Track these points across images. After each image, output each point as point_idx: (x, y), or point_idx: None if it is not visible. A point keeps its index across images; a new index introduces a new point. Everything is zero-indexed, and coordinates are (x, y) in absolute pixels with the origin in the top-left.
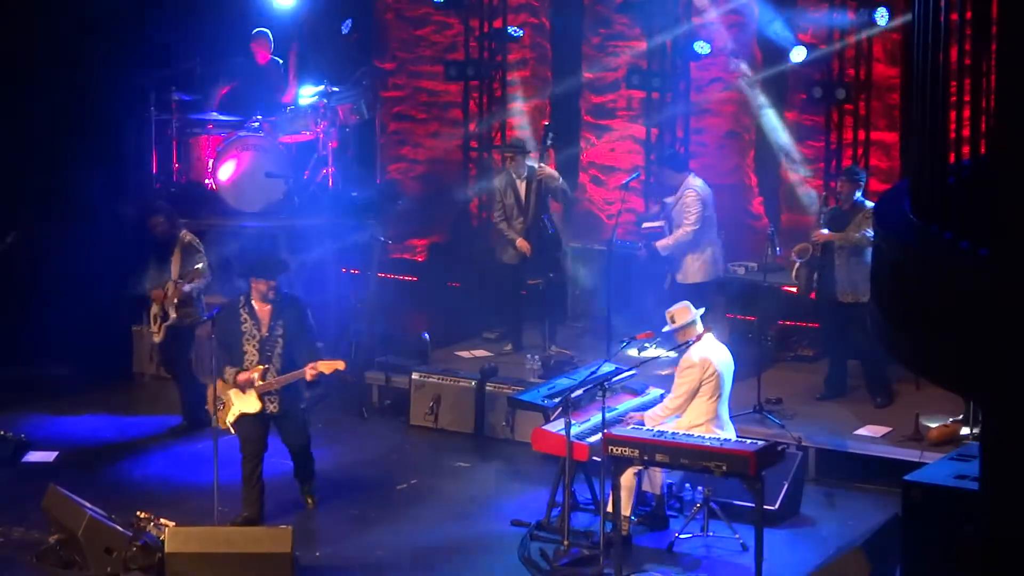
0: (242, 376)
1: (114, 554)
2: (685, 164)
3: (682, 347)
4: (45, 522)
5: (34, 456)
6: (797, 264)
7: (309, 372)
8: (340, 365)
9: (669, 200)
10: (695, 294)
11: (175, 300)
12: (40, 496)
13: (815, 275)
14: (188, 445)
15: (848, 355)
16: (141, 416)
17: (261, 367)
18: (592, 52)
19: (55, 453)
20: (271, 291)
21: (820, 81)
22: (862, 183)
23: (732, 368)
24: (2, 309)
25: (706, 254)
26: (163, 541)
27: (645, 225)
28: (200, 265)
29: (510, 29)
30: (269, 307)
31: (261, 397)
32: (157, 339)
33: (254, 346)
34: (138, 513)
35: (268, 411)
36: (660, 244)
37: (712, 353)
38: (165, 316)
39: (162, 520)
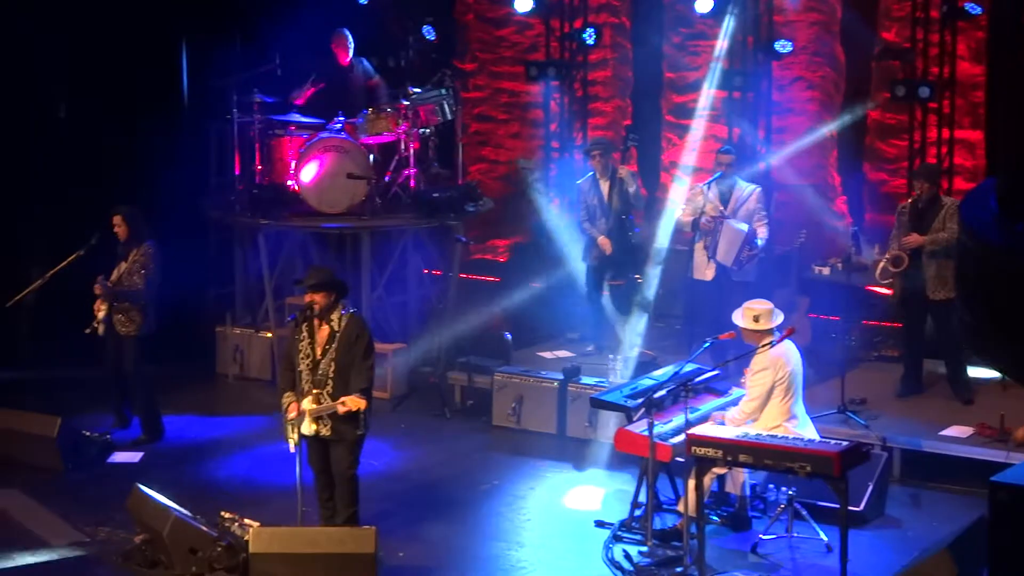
0: (291, 410)
1: (199, 554)
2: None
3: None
4: (130, 522)
5: (119, 456)
6: (892, 272)
7: (340, 408)
8: (362, 404)
9: (708, 192)
10: (752, 292)
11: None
12: (125, 496)
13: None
14: (272, 446)
15: (926, 353)
16: (225, 416)
17: (314, 392)
18: (673, 51)
19: (140, 454)
20: (323, 309)
21: (904, 79)
22: (939, 180)
23: (802, 364)
24: (85, 310)
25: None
26: (247, 541)
27: (738, 224)
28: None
29: (584, 34)
30: (328, 327)
31: (315, 420)
32: (100, 331)
33: (307, 366)
34: (222, 513)
35: (321, 434)
36: (761, 242)
37: (783, 352)
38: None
39: (246, 520)
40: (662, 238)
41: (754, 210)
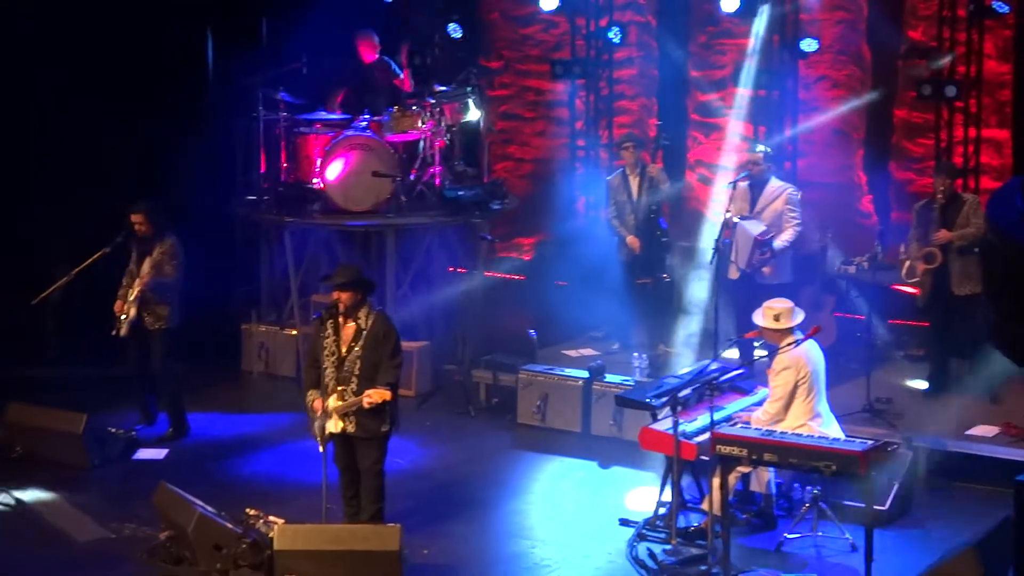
0: (316, 408)
1: (223, 551)
2: None
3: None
4: (155, 519)
5: (145, 453)
6: (925, 269)
7: (365, 400)
8: (387, 396)
9: (736, 191)
10: (785, 293)
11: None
12: (151, 493)
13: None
14: (297, 443)
15: (953, 352)
16: (250, 414)
17: (339, 390)
18: (698, 50)
19: (166, 450)
20: (349, 307)
21: (930, 78)
22: (958, 176)
23: (824, 362)
24: (111, 308)
25: (788, 253)
26: (272, 538)
27: (752, 225)
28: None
29: (609, 33)
30: (354, 325)
31: (341, 417)
32: (124, 331)
33: (332, 363)
34: (247, 510)
35: (347, 431)
36: (778, 244)
37: (804, 351)
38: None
39: (271, 517)
40: (690, 236)
41: (781, 212)
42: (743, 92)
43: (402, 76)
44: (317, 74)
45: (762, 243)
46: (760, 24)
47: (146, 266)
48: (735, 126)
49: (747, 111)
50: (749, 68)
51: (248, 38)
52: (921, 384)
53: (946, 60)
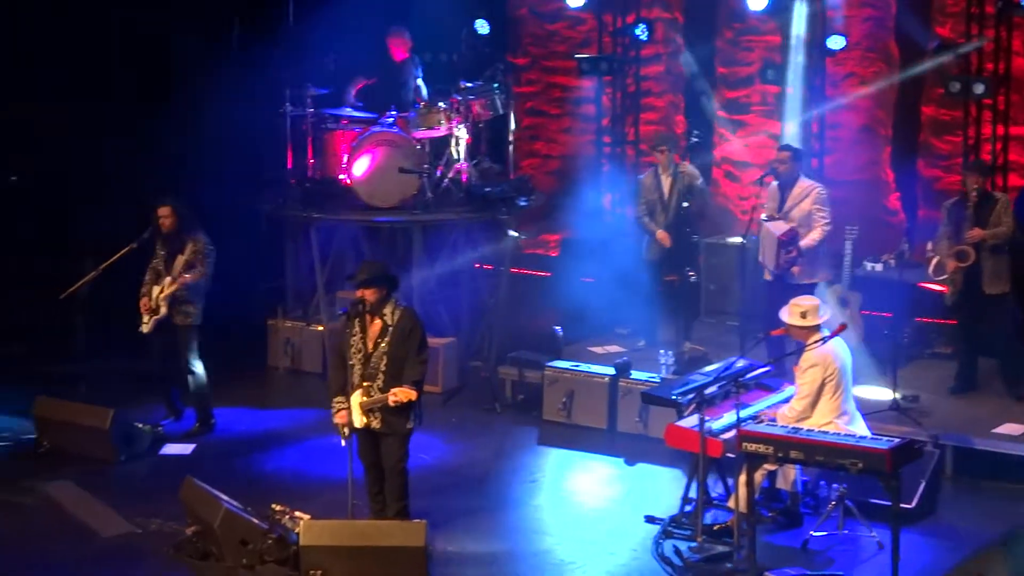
0: (340, 417)
1: (249, 546)
2: None
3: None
4: (182, 514)
5: (171, 448)
6: (957, 267)
7: (391, 399)
8: (412, 395)
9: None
10: (814, 292)
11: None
12: (177, 488)
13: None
14: (323, 439)
15: (981, 350)
16: (276, 409)
17: (365, 385)
18: (726, 47)
19: (192, 445)
20: (374, 304)
21: (958, 75)
22: (989, 175)
23: (851, 359)
24: (138, 303)
25: (821, 251)
26: (298, 534)
27: (776, 226)
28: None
29: (636, 29)
30: (380, 321)
31: (366, 413)
32: (149, 329)
33: (359, 360)
34: (273, 506)
35: (372, 427)
36: (805, 244)
37: (831, 348)
38: (156, 311)
39: (297, 513)
40: (716, 234)
41: (809, 211)
42: (770, 89)
43: (418, 82)
44: (346, 69)
45: (786, 242)
46: (800, 24)
47: (178, 265)
48: (762, 123)
49: (774, 108)
50: (776, 65)
51: (276, 32)
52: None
53: (972, 47)
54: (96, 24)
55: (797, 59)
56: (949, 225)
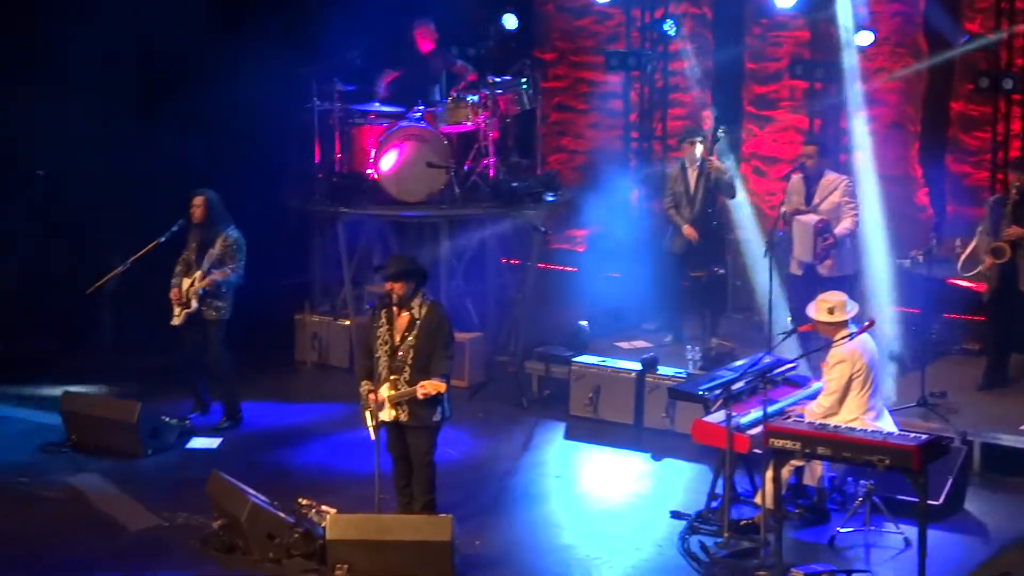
0: (369, 399)
1: (276, 540)
2: None
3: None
4: (208, 507)
5: (198, 442)
6: (992, 264)
7: (420, 391)
8: (441, 388)
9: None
10: (843, 286)
11: (196, 290)
12: (204, 482)
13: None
14: (350, 433)
15: (1013, 347)
16: (303, 403)
17: (392, 379)
18: (754, 42)
19: (219, 439)
20: (403, 297)
21: (987, 71)
22: None
23: (878, 356)
24: (167, 296)
25: (848, 244)
26: (324, 528)
27: (808, 217)
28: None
29: (665, 24)
30: (407, 315)
31: (394, 406)
32: (180, 320)
33: (386, 352)
34: (300, 500)
35: (400, 420)
36: (839, 231)
37: (859, 344)
38: (187, 304)
39: (323, 507)
40: (743, 228)
41: (839, 203)
42: (798, 84)
43: (460, 63)
44: (372, 64)
45: (822, 229)
46: (847, 17)
47: (208, 260)
48: (790, 119)
49: (802, 103)
50: (805, 60)
51: (302, 27)
52: None
53: (1000, 36)
54: (121, 20)
55: (850, 57)
56: (989, 222)
